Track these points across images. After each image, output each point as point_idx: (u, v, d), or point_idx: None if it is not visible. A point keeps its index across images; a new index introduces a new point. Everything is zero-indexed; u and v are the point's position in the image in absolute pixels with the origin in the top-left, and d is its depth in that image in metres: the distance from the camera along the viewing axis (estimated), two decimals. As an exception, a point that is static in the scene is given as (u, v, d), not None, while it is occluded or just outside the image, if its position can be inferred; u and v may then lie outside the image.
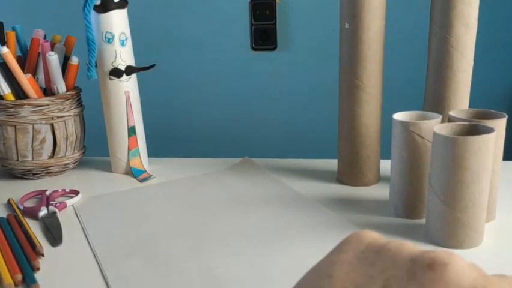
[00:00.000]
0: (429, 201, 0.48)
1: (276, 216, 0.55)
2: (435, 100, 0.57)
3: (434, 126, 0.49)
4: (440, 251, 0.20)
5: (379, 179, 0.64)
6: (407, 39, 1.01)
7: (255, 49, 1.14)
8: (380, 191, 0.61)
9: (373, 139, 0.61)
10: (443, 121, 0.52)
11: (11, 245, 0.50)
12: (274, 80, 1.14)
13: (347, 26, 0.58)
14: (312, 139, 1.15)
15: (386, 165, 0.65)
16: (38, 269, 0.46)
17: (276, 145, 1.16)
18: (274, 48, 1.14)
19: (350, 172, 0.63)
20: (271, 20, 1.12)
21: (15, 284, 0.44)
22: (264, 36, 1.13)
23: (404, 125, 0.51)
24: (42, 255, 0.48)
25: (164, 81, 1.15)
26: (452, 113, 0.52)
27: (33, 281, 0.44)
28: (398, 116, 0.53)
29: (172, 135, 1.19)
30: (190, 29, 1.12)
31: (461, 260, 0.20)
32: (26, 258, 0.47)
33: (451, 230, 0.46)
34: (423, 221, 0.52)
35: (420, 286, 0.20)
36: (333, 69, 1.07)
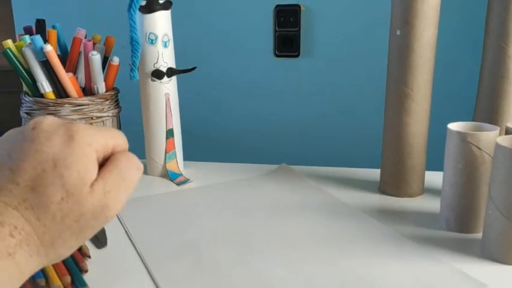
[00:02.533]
0: (489, 215, 0.46)
1: (323, 225, 0.54)
2: (488, 111, 0.56)
3: (493, 138, 0.48)
4: (37, 118, 0.31)
5: (423, 190, 0.63)
6: (455, 49, 0.99)
7: (278, 56, 1.13)
8: (426, 203, 0.60)
9: (420, 149, 0.60)
10: (499, 133, 0.51)
11: (55, 245, 0.49)
12: (297, 86, 1.12)
13: (398, 32, 0.57)
14: (338, 147, 1.13)
15: (430, 177, 0.64)
16: (86, 271, 0.45)
17: (304, 153, 1.14)
18: (297, 55, 1.13)
19: (394, 182, 0.62)
20: (296, 26, 1.11)
21: (64, 286, 0.43)
22: (287, 43, 1.12)
23: (462, 136, 0.49)
24: (89, 256, 0.47)
25: (186, 84, 1.14)
26: (510, 125, 0.50)
27: (84, 283, 0.43)
28: (454, 126, 0.52)
29: (196, 138, 1.18)
30: (214, 34, 1.11)
31: (51, 117, 0.31)
32: (72, 260, 0.46)
33: (511, 245, 0.45)
34: (477, 235, 0.51)
35: (30, 140, 0.30)
36: (357, 77, 1.06)
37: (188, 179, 0.68)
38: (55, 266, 0.45)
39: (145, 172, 0.71)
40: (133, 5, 0.62)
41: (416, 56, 0.56)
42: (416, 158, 0.60)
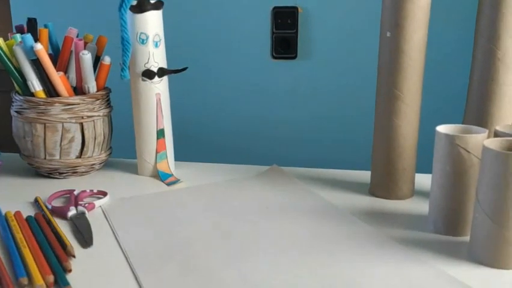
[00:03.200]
0: (476, 218, 0.46)
1: (311, 226, 0.54)
2: (478, 114, 0.56)
3: (481, 140, 0.48)
4: None
5: (413, 192, 0.63)
6: (445, 52, 0.99)
7: (275, 57, 1.13)
8: (415, 205, 0.60)
9: (410, 152, 0.60)
10: (488, 136, 0.51)
11: (41, 244, 0.49)
12: (293, 88, 1.12)
13: (388, 34, 0.56)
14: (333, 149, 1.13)
15: (420, 179, 0.64)
16: (70, 270, 0.45)
17: (297, 154, 1.14)
18: (294, 57, 1.13)
19: (384, 185, 0.61)
20: (293, 28, 1.11)
21: (47, 286, 0.42)
22: (284, 45, 1.12)
23: (450, 138, 0.49)
24: (74, 256, 0.47)
25: (182, 85, 1.14)
26: (499, 128, 0.50)
27: (66, 283, 0.42)
28: (442, 128, 0.51)
29: (190, 139, 1.17)
30: (211, 35, 1.11)
31: None
32: (56, 259, 0.46)
33: (498, 249, 0.44)
34: (465, 238, 0.50)
35: None
36: (353, 79, 1.06)
37: (179, 180, 0.68)
38: (38, 265, 0.45)
39: (135, 172, 0.71)
40: (124, 4, 0.62)
41: (406, 58, 0.56)
42: (406, 160, 0.60)
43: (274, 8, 1.08)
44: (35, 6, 1.13)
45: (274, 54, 1.12)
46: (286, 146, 1.15)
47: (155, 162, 0.69)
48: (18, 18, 1.13)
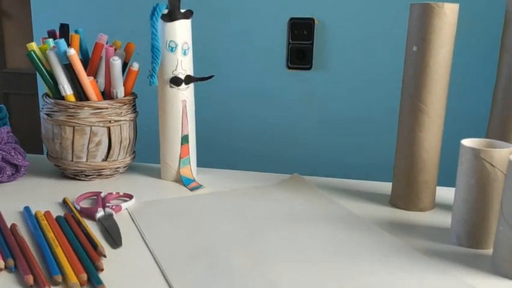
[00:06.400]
0: (500, 231, 0.46)
1: (334, 235, 0.55)
2: (501, 129, 0.57)
3: (506, 155, 0.49)
4: None
5: (434, 205, 0.63)
6: (470, 66, 1.00)
7: (290, 68, 1.14)
8: (436, 218, 0.60)
9: (432, 165, 0.60)
10: None
11: (72, 243, 0.50)
12: (308, 98, 1.13)
13: (414, 48, 0.58)
14: (348, 160, 1.14)
15: (440, 192, 0.64)
16: (102, 269, 0.46)
17: (312, 164, 1.15)
18: (309, 68, 1.14)
19: (406, 196, 0.62)
20: (309, 39, 1.13)
21: (81, 284, 0.44)
22: (300, 56, 1.13)
23: (475, 152, 0.50)
24: (105, 256, 0.48)
25: (201, 93, 1.15)
26: (523, 143, 0.51)
27: (99, 282, 0.43)
28: (467, 142, 0.52)
29: (207, 146, 1.19)
30: (229, 45, 1.13)
31: None
32: (89, 259, 0.47)
33: (522, 262, 0.45)
34: (488, 251, 0.51)
35: None
36: (367, 91, 1.07)
37: (201, 185, 0.69)
38: (71, 264, 0.46)
39: (158, 176, 0.72)
40: (155, 13, 0.64)
41: (432, 72, 0.57)
42: (428, 172, 0.61)
43: (291, 19, 1.10)
44: (54, 13, 1.15)
45: (289, 64, 1.13)
46: (301, 155, 1.16)
47: (179, 167, 0.70)
48: (39, 24, 1.15)
